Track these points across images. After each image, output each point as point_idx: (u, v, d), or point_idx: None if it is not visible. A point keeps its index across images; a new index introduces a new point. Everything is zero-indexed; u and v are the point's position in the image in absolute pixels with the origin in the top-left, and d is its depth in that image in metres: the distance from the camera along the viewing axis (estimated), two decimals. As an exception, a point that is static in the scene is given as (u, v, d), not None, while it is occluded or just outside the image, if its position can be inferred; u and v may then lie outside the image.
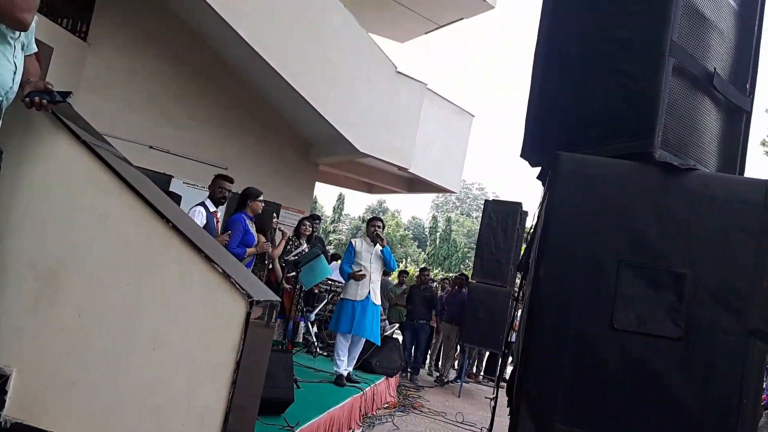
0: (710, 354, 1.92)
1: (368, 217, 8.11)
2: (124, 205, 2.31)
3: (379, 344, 6.57)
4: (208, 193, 5.17)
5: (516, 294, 3.52)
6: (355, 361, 6.32)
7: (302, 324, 7.87)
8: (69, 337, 2.26)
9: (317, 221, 8.42)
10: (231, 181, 5.17)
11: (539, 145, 2.43)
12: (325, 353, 7.72)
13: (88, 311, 2.27)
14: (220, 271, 2.21)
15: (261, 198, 5.45)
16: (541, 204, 2.35)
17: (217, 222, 4.96)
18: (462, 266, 42.03)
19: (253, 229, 5.50)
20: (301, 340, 7.92)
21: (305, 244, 7.04)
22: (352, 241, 6.40)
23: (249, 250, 5.26)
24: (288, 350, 5.69)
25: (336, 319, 6.15)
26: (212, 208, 4.97)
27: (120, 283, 2.26)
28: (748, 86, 2.32)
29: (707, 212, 1.97)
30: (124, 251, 2.30)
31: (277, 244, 6.35)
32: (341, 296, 6.36)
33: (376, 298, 6.14)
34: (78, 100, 8.08)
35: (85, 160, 2.35)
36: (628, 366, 1.96)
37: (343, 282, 6.80)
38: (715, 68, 2.15)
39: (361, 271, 6.02)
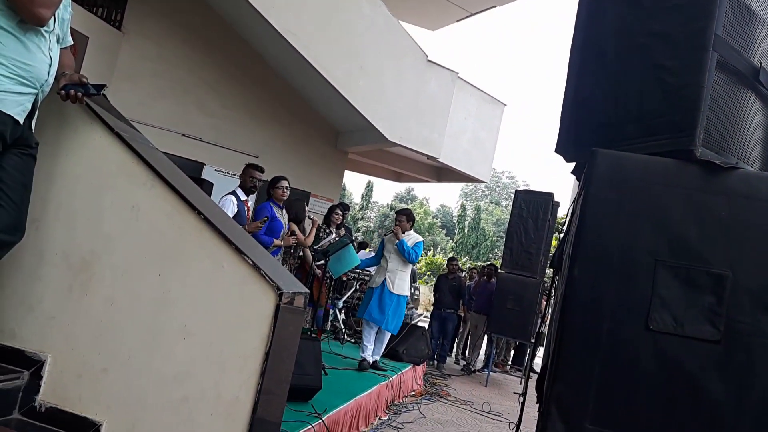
0: (749, 357, 1.86)
1: (396, 205, 8.17)
2: (155, 196, 2.32)
3: (395, 333, 6.63)
4: (239, 182, 5.20)
5: (548, 289, 3.48)
6: (382, 350, 6.37)
7: (330, 311, 7.90)
8: (101, 326, 2.29)
9: (346, 210, 8.44)
10: (262, 170, 5.18)
11: (575, 140, 2.37)
12: (352, 340, 7.78)
13: (119, 301, 2.29)
14: (250, 262, 2.21)
15: (281, 184, 5.45)
16: (576, 200, 2.30)
17: (248, 211, 5.00)
18: (490, 255, 41.80)
19: (282, 216, 5.52)
20: (329, 327, 7.97)
21: (335, 233, 7.05)
22: (385, 235, 6.73)
23: (275, 242, 5.30)
24: (316, 338, 5.71)
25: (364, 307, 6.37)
26: (243, 197, 5.00)
27: (151, 274, 2.29)
28: (795, 80, 2.22)
29: (749, 212, 1.91)
30: (155, 242, 2.32)
31: (308, 232, 6.38)
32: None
33: (396, 288, 6.19)
34: (112, 89, 8.26)
35: (118, 152, 2.37)
36: (663, 368, 1.91)
37: (371, 270, 6.87)
38: (761, 63, 2.07)
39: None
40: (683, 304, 1.91)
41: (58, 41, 2.29)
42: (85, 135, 2.41)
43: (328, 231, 7.06)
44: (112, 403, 2.25)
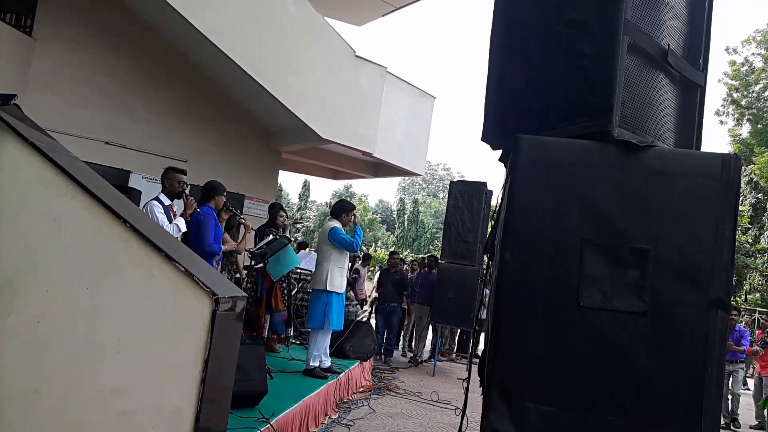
0: (674, 327, 1.95)
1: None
2: (78, 207, 2.23)
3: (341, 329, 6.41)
4: (161, 187, 4.98)
5: (484, 275, 3.55)
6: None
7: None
8: (29, 346, 2.19)
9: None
10: (184, 172, 5.03)
11: (500, 128, 2.43)
12: (297, 342, 7.69)
13: (47, 318, 2.19)
14: (182, 269, 2.16)
15: (224, 195, 5.43)
16: (504, 186, 2.35)
17: (174, 216, 4.83)
18: (431, 247, 42.36)
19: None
20: (292, 333, 7.60)
21: (286, 234, 6.87)
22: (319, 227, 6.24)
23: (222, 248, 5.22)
24: (259, 342, 5.61)
25: (330, 316, 5.76)
26: (167, 202, 4.83)
27: (78, 287, 2.20)
28: (701, 61, 2.35)
29: (667, 188, 2.00)
30: (81, 255, 2.23)
31: (240, 238, 6.25)
32: (329, 289, 5.79)
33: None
34: (27, 98, 7.85)
35: (35, 163, 2.26)
36: (595, 343, 1.98)
37: (311, 269, 6.66)
38: (668, 45, 2.17)
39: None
40: (610, 279, 1.99)
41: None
42: (-4, 147, 2.29)
43: (275, 234, 6.72)
44: (46, 425, 2.15)
